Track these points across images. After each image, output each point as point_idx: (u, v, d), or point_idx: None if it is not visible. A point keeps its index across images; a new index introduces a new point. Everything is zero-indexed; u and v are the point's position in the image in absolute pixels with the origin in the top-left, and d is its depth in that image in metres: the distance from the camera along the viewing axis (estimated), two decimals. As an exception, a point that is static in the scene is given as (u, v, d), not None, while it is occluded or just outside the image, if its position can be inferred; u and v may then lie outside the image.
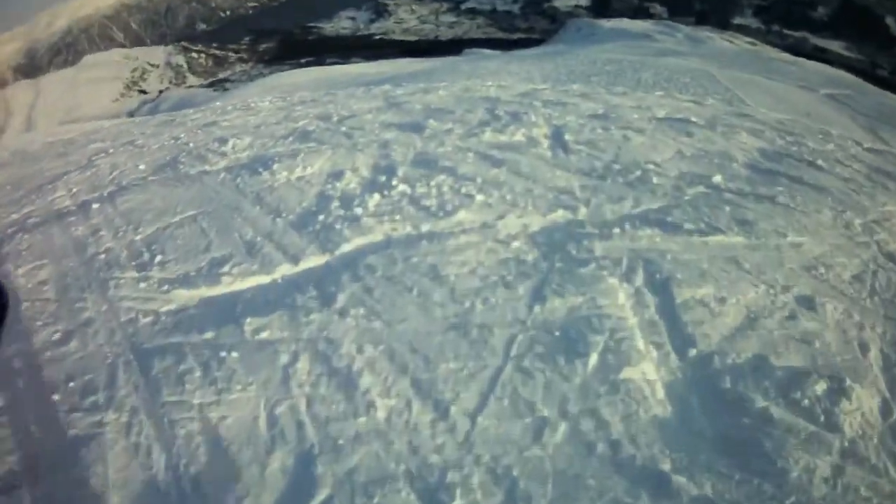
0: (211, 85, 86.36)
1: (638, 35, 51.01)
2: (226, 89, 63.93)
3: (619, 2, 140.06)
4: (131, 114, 57.59)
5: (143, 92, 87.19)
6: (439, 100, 9.03)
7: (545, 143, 6.55)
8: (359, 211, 4.90)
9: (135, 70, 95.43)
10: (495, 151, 6.17)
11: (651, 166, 5.85)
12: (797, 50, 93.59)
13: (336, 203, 5.04)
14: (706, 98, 13.46)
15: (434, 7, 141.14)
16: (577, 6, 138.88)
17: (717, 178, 5.58)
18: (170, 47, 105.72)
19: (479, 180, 5.41)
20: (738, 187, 5.49)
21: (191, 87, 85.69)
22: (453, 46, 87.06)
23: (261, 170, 5.77)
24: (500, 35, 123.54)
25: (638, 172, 5.70)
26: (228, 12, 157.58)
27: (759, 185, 5.59)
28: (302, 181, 5.56)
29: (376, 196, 5.13)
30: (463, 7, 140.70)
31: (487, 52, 43.51)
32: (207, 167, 6.10)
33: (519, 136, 6.71)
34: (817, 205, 5.27)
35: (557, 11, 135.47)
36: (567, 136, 6.68)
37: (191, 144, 7.05)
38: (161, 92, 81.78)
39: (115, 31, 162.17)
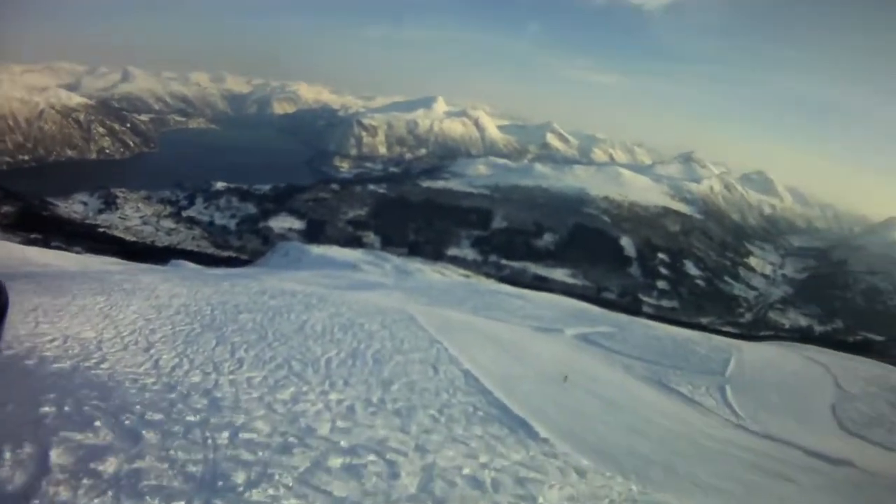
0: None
1: (344, 264, 50.35)
2: (-44, 250, 71.07)
3: (332, 228, 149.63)
4: None
5: None
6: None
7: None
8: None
9: None
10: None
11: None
12: (516, 280, 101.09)
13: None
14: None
15: (157, 209, 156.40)
16: (290, 229, 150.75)
17: None
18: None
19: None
20: None
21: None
22: (167, 253, 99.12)
23: None
24: (212, 250, 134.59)
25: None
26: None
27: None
28: None
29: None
30: (184, 214, 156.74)
31: (190, 265, 44.82)
32: None
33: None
34: None
35: (271, 232, 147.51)
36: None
37: None
38: None
39: None
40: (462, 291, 28.69)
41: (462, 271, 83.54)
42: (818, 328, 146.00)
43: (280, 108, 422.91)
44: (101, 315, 12.17)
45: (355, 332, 13.62)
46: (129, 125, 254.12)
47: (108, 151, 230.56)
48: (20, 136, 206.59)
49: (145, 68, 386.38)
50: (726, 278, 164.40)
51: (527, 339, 16.74)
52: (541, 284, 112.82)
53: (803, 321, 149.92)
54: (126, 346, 9.89)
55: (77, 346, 9.25)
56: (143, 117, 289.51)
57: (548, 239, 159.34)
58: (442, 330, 14.79)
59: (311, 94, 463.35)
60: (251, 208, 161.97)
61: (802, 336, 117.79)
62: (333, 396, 8.59)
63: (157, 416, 6.11)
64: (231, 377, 8.73)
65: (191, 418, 6.29)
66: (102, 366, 8.32)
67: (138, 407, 6.32)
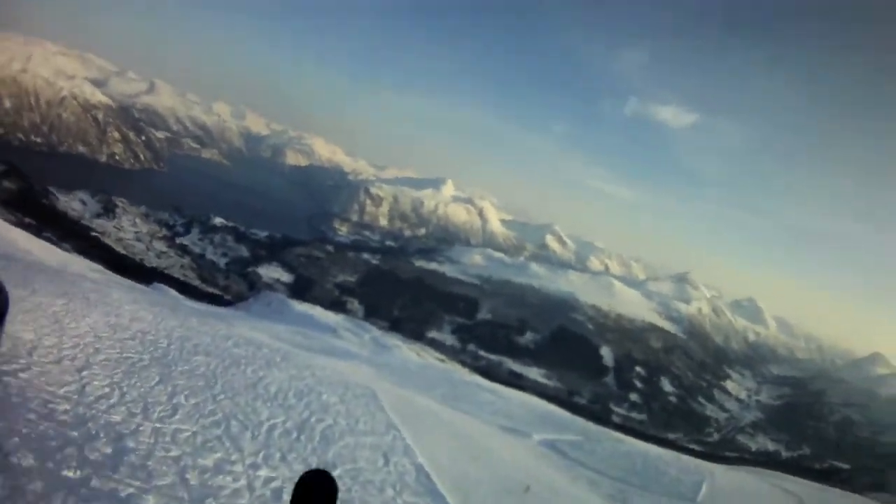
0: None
1: (324, 326, 49.52)
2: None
3: (319, 288, 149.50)
4: None
5: None
6: None
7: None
8: None
9: None
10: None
11: None
12: (491, 373, 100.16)
13: None
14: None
15: (153, 229, 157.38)
16: (278, 280, 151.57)
17: None
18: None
19: None
20: None
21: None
22: (153, 274, 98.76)
23: None
24: (197, 283, 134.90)
25: None
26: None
27: None
28: None
29: None
30: (178, 241, 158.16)
31: (171, 292, 44.40)
32: None
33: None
34: None
35: (259, 279, 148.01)
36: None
37: None
38: None
39: None
40: (435, 376, 27.59)
41: (439, 355, 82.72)
42: (785, 453, 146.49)
43: (293, 158, 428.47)
44: (52, 319, 11.17)
45: (310, 402, 12.50)
46: (144, 138, 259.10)
47: (118, 158, 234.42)
48: (38, 116, 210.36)
49: (172, 84, 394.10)
50: (700, 398, 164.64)
51: (492, 439, 15.62)
52: (514, 381, 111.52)
53: (771, 446, 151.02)
54: (60, 359, 8.82)
55: (7, 346, 8.28)
56: (160, 134, 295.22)
57: (529, 337, 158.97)
58: (403, 415, 13.68)
59: (326, 151, 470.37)
60: (244, 251, 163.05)
61: (769, 460, 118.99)
62: (263, 473, 7.52)
63: (29, 461, 4.96)
64: (157, 425, 7.63)
65: (68, 473, 5.13)
66: (22, 374, 7.29)
67: (17, 440, 5.21)
